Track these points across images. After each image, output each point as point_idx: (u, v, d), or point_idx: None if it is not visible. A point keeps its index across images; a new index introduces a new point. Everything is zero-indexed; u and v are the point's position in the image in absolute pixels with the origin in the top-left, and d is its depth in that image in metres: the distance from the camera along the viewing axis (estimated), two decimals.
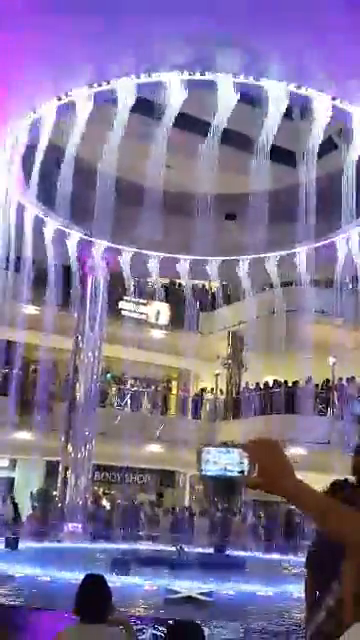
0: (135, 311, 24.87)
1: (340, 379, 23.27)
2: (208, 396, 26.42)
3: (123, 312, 24.15)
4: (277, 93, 12.65)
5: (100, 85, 12.71)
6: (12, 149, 14.41)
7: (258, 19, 10.58)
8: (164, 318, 25.79)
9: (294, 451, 21.37)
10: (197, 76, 12.40)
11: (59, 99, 13.10)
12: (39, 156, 13.99)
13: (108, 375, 25.06)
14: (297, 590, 10.64)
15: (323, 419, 22.10)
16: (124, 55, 11.92)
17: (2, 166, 14.77)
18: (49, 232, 17.73)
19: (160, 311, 25.69)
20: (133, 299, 24.35)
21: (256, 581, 11.11)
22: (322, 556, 2.84)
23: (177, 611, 7.31)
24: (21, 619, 6.95)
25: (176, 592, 8.82)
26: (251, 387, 24.41)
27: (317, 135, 13.42)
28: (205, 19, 10.58)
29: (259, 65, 12.22)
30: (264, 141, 13.69)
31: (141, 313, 25.25)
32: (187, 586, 9.38)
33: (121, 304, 24.24)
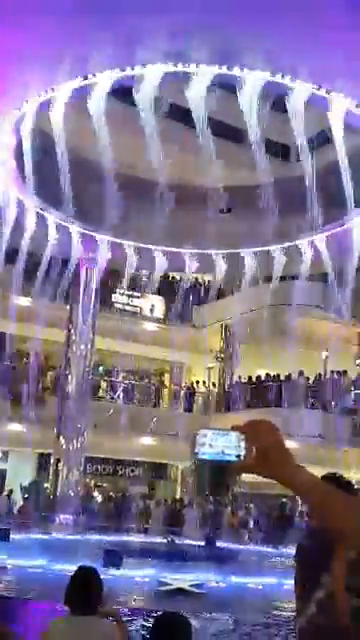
0: (128, 304, 24.86)
1: (332, 372, 23.37)
2: (201, 389, 26.46)
3: (116, 305, 24.14)
4: (257, 84, 12.58)
5: (86, 78, 12.64)
6: (5, 142, 14.33)
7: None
8: (159, 311, 25.79)
9: (288, 445, 21.43)
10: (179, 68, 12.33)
11: (52, 90, 13.02)
12: (32, 149, 13.92)
13: (100, 368, 25.05)
14: (288, 583, 10.71)
15: (315, 413, 22.20)
16: (113, 48, 11.84)
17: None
18: (43, 224, 17.67)
19: (154, 304, 25.68)
20: (126, 292, 24.32)
21: (247, 573, 11.17)
22: (312, 548, 2.85)
23: (168, 603, 7.34)
24: (13, 610, 6.97)
25: (167, 584, 8.86)
26: (244, 380, 24.48)
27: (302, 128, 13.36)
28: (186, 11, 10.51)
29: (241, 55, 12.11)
30: (257, 133, 13.64)
31: (134, 306, 25.24)
32: (178, 578, 9.42)
33: (114, 297, 24.22)
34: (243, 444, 1.55)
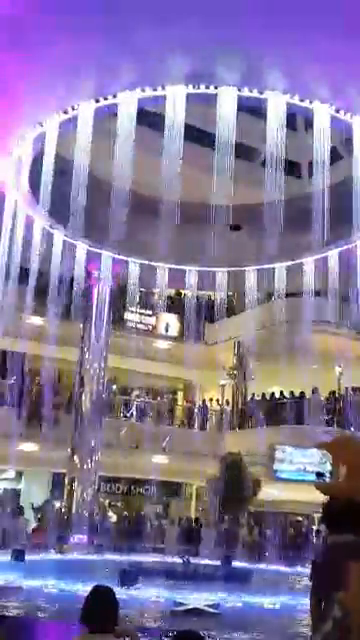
0: (141, 322, 24.93)
1: (346, 389, 23.23)
2: (214, 406, 26.39)
3: (129, 323, 24.21)
4: (279, 105, 12.74)
5: (106, 99, 12.85)
6: (19, 161, 14.54)
7: (261, 31, 10.69)
8: (174, 329, 25.81)
9: None
10: (202, 89, 12.53)
11: (65, 112, 13.23)
12: (45, 168, 14.11)
13: (114, 386, 25.08)
14: (304, 602, 10.57)
15: (330, 430, 22.05)
16: (127, 69, 12.05)
17: (9, 178, 14.91)
18: (55, 243, 17.83)
19: (169, 323, 25.71)
20: (139, 310, 24.41)
21: (262, 593, 11.07)
22: (327, 566, 2.86)
23: (183, 623, 7.30)
24: (29, 631, 6.95)
25: (182, 604, 8.80)
26: (257, 397, 24.39)
27: (320, 146, 13.47)
28: (206, 31, 10.70)
29: (261, 78, 12.32)
30: (270, 152, 13.76)
31: (147, 324, 25.31)
32: (193, 598, 9.35)
33: (126, 315, 24.30)
34: (328, 462, 1.41)
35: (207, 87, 12.50)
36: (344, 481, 1.27)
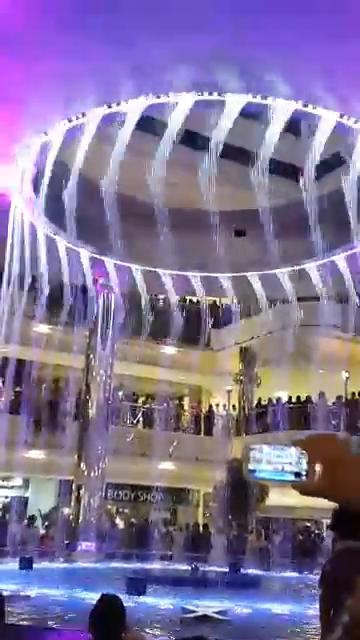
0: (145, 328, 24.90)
1: (353, 394, 23.15)
2: (220, 412, 26.34)
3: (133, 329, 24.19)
4: (281, 111, 12.77)
5: (110, 107, 12.91)
6: (23, 170, 14.61)
7: (261, 36, 10.73)
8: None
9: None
10: (205, 96, 12.56)
11: (69, 121, 13.29)
12: (50, 176, 14.16)
13: (120, 392, 25.06)
14: (313, 608, 10.52)
15: (337, 435, 21.93)
16: (130, 77, 12.10)
17: (14, 186, 14.96)
18: (61, 251, 17.88)
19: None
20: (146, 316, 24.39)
21: (271, 599, 11.01)
22: (337, 573, 2.83)
23: (193, 630, 7.26)
24: (36, 639, 6.93)
25: (192, 611, 8.76)
26: (264, 403, 24.34)
27: (319, 150, 13.49)
28: (207, 39, 10.74)
29: (263, 83, 12.36)
30: (268, 157, 13.79)
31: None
32: (203, 605, 9.30)
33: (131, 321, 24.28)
34: (304, 461, 1.36)
35: (210, 94, 12.53)
36: (319, 479, 1.23)
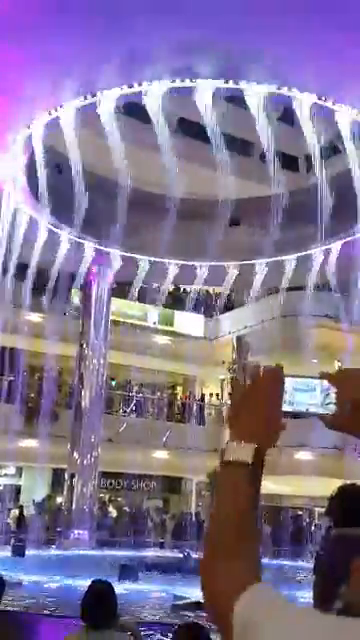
0: (138, 316, 24.87)
1: None
2: (214, 401, 26.39)
3: (126, 319, 24.17)
4: (261, 97, 12.69)
5: (94, 96, 12.81)
6: (16, 158, 14.49)
7: (247, 22, 10.63)
8: (199, 329, 25.78)
9: (303, 456, 21.32)
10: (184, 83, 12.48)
11: (61, 107, 13.18)
12: (43, 165, 14.07)
13: (113, 382, 25.07)
14: (305, 596, 10.58)
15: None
16: (115, 64, 11.99)
17: (7, 175, 14.85)
18: (54, 240, 17.79)
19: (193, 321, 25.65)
20: (138, 305, 24.37)
21: None
22: (330, 561, 2.82)
23: (185, 617, 7.29)
24: (29, 625, 6.94)
25: (183, 598, 8.79)
26: None
27: (315, 139, 13.42)
28: (195, 25, 10.64)
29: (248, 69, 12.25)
30: (267, 146, 13.72)
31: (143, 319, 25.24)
32: (194, 592, 9.34)
33: (124, 310, 24.25)
34: (333, 398, 1.26)
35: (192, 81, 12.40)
36: (349, 416, 1.16)
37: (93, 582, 4.22)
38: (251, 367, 1.22)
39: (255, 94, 12.46)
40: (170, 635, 6.16)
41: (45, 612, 8.07)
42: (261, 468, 1.12)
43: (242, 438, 1.13)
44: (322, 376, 1.31)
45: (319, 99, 12.68)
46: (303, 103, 12.78)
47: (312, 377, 1.31)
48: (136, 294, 21.34)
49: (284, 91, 12.53)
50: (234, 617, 0.92)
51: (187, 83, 12.33)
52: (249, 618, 0.90)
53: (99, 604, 4.07)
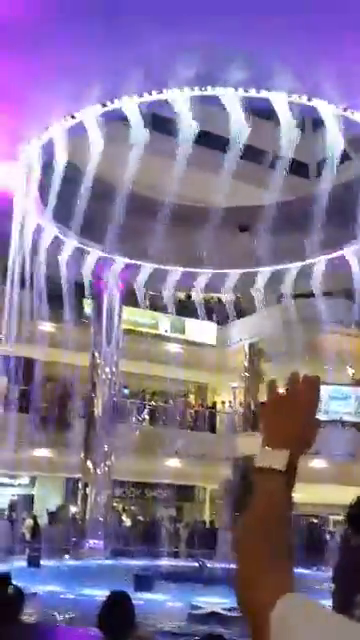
0: (149, 325, 24.92)
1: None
2: (226, 409, 26.33)
3: (138, 327, 24.22)
4: (285, 106, 12.71)
5: (112, 103, 12.87)
6: (27, 168, 14.59)
7: (266, 30, 10.67)
8: (211, 336, 25.81)
9: (318, 464, 21.19)
10: (206, 92, 12.51)
11: (73, 117, 13.26)
12: (53, 174, 14.14)
13: (126, 390, 25.08)
14: (324, 604, 10.47)
15: (345, 431, 21.91)
16: (133, 73, 12.06)
17: (18, 185, 14.95)
18: (64, 249, 17.85)
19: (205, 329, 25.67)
20: (149, 312, 24.41)
21: None
22: (349, 569, 2.81)
23: (202, 627, 7.25)
24: (46, 637, 6.92)
25: (200, 608, 8.74)
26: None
27: (330, 146, 13.41)
28: (212, 33, 10.70)
29: (267, 78, 12.30)
30: (279, 154, 13.73)
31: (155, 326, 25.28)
32: (211, 601, 9.29)
33: (136, 318, 24.30)
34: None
35: (214, 88, 12.47)
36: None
37: (111, 593, 4.22)
38: (291, 374, 1.23)
39: (280, 104, 12.52)
40: None
41: (62, 623, 8.06)
42: (294, 475, 1.12)
43: (275, 444, 1.13)
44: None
45: (344, 110, 12.71)
46: (328, 113, 12.80)
47: (347, 385, 1.30)
48: (147, 302, 21.37)
49: (306, 101, 12.59)
50: (271, 625, 0.93)
51: (209, 91, 12.38)
52: (285, 624, 0.92)
53: (117, 615, 4.06)
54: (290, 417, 1.16)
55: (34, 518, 21.85)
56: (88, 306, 22.03)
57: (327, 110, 12.86)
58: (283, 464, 1.11)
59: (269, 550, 1.03)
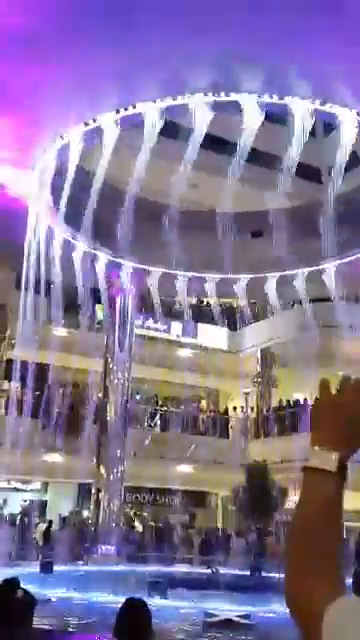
0: (163, 330, 24.88)
1: None
2: (238, 414, 26.22)
3: (151, 332, 24.19)
4: (301, 110, 12.69)
5: (126, 109, 12.91)
6: (41, 174, 14.65)
7: (279, 35, 10.66)
8: (222, 341, 25.77)
9: None
10: (222, 97, 12.51)
11: (86, 124, 13.31)
12: (67, 181, 14.19)
13: (138, 396, 25.05)
14: None
15: None
16: (148, 80, 12.09)
17: (32, 192, 15.02)
18: (77, 255, 17.91)
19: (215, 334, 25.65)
20: (161, 319, 24.37)
21: None
22: None
23: (217, 634, 7.19)
24: None
25: (214, 615, 8.68)
26: (283, 404, 24.20)
27: (344, 150, 13.38)
28: (228, 39, 10.70)
29: (282, 83, 12.29)
30: (290, 159, 13.69)
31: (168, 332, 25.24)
32: (224, 608, 9.23)
33: (148, 324, 24.27)
34: None
35: (228, 95, 12.48)
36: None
37: (127, 599, 4.19)
38: (343, 377, 1.22)
39: (298, 110, 12.53)
40: None
41: (75, 629, 8.03)
42: (345, 477, 1.11)
43: (326, 444, 1.12)
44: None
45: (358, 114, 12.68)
46: (346, 118, 12.79)
47: None
48: (160, 308, 21.35)
49: (327, 108, 12.58)
50: (324, 628, 0.93)
51: (223, 97, 12.40)
52: (336, 625, 0.92)
53: (134, 621, 4.04)
54: (341, 419, 1.15)
55: (50, 523, 21.84)
56: (101, 311, 22.05)
57: (343, 113, 12.82)
58: (334, 465, 1.10)
59: (319, 550, 1.01)
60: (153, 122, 12.82)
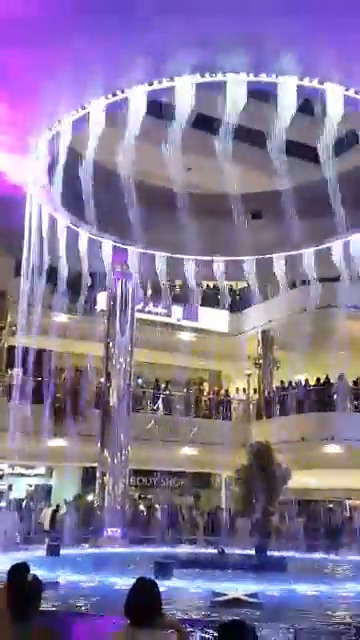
0: (163, 314, 24.88)
1: None
2: (240, 396, 26.32)
3: (152, 316, 24.20)
4: (290, 88, 12.57)
5: (115, 95, 12.82)
6: (38, 161, 14.57)
7: (265, 12, 10.54)
8: (223, 324, 25.79)
9: (332, 449, 21.15)
10: (208, 78, 12.39)
11: (83, 108, 13.21)
12: (65, 166, 14.12)
13: (140, 379, 25.14)
14: (342, 589, 10.53)
15: (359, 416, 21.86)
16: (137, 62, 11.95)
17: (31, 177, 14.95)
18: (79, 240, 17.86)
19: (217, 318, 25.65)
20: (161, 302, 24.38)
21: (300, 581, 11.02)
22: None
23: (225, 613, 7.28)
24: (69, 625, 6.99)
25: (221, 594, 8.78)
26: (284, 386, 24.27)
27: (334, 128, 13.27)
28: (214, 18, 10.58)
29: (270, 61, 12.15)
30: (281, 137, 13.59)
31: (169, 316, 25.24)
32: (231, 588, 9.33)
33: (149, 308, 24.27)
34: None
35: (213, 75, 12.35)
36: None
37: (138, 579, 4.25)
38: None
39: (283, 87, 12.40)
40: (211, 632, 6.17)
41: (85, 611, 8.13)
42: None
43: None
44: None
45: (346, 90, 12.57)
46: (333, 94, 12.67)
47: None
48: (161, 291, 21.36)
49: (314, 84, 12.45)
50: None
51: (214, 78, 12.27)
52: None
53: (144, 601, 4.10)
54: None
55: (57, 506, 22.00)
56: (102, 296, 22.05)
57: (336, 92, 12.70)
58: None
59: None
60: (141, 105, 12.70)
